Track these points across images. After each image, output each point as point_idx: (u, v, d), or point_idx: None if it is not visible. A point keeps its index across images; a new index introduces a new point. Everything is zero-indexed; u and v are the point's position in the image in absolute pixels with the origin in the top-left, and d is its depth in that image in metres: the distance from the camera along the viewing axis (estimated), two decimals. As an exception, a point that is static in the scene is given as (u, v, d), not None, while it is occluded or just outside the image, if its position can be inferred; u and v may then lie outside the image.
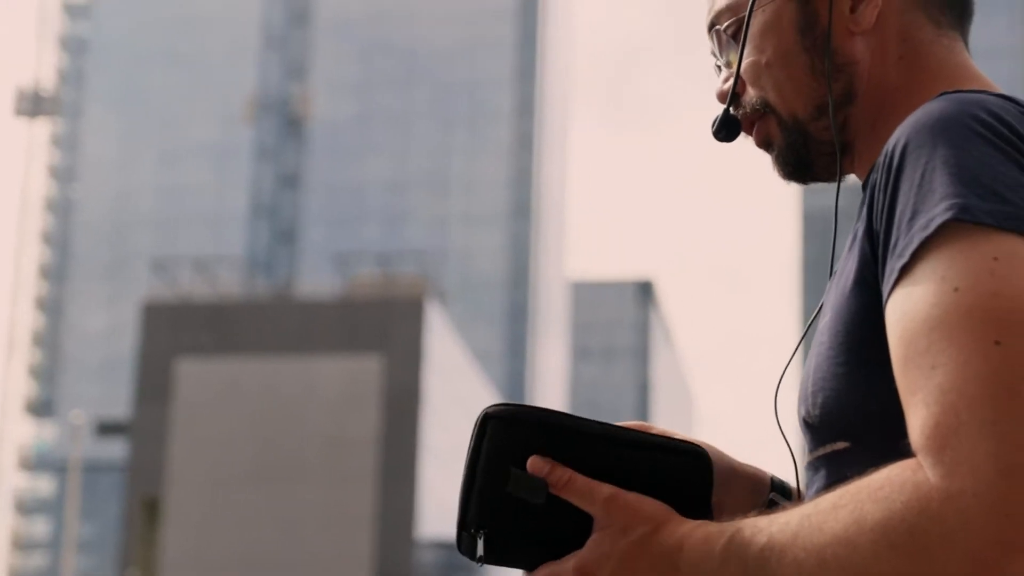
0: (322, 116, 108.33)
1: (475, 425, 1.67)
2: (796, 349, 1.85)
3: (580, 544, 1.67)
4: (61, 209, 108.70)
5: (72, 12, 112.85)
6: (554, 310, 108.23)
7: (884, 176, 1.61)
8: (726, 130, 1.88)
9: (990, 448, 1.42)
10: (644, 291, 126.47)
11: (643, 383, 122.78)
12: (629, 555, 1.64)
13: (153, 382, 66.72)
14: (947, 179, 1.53)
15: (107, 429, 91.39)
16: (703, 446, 1.77)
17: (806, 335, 1.82)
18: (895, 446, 1.55)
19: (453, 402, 71.12)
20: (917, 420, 1.48)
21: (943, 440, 1.44)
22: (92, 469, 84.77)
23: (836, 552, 1.49)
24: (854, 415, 1.63)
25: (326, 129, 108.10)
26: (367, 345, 65.93)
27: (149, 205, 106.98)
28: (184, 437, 65.40)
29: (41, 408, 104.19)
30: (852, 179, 1.89)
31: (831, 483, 1.63)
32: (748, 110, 1.87)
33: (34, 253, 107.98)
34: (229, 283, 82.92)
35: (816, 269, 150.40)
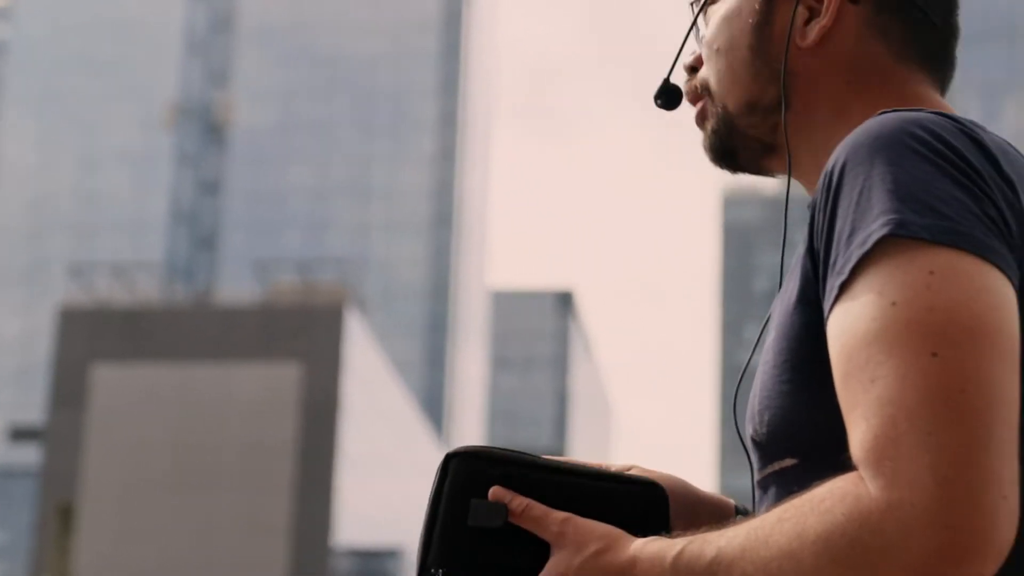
0: (244, 123, 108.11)
1: (437, 470, 1.73)
2: (747, 364, 1.85)
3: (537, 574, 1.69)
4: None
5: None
6: (474, 320, 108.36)
7: (824, 195, 1.61)
8: (665, 97, 1.94)
9: (928, 459, 1.43)
10: (564, 301, 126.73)
11: (562, 393, 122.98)
12: (583, 572, 1.65)
13: (68, 388, 66.34)
14: (884, 196, 1.54)
15: (20, 435, 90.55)
16: (662, 480, 1.80)
17: (755, 351, 1.81)
18: (841, 462, 1.54)
19: (372, 411, 71.13)
20: (857, 433, 1.49)
21: (882, 452, 1.46)
22: (5, 475, 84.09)
23: (781, 565, 1.50)
24: (800, 432, 1.64)
25: (248, 136, 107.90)
26: (286, 353, 65.80)
27: (67, 210, 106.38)
28: (99, 443, 65.04)
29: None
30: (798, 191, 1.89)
31: (780, 500, 1.62)
32: (697, 85, 1.91)
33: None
34: (147, 289, 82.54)
35: (735, 281, 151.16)
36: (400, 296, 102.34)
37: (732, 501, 1.89)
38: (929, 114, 1.62)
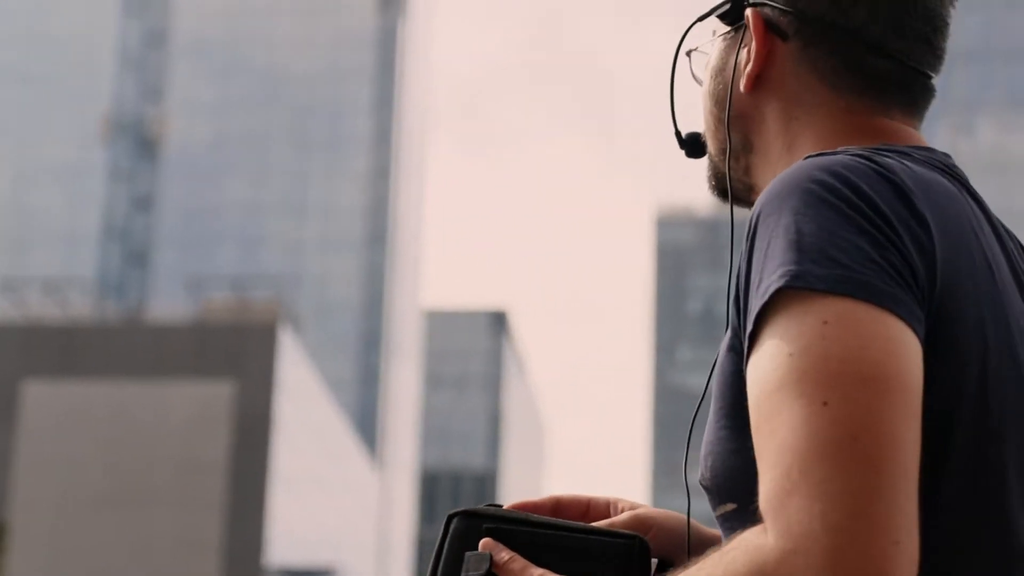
0: (177, 138, 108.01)
1: (441, 528, 1.86)
2: (699, 405, 1.91)
3: None
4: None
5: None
6: (408, 338, 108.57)
7: (745, 244, 1.65)
8: (688, 147, 2.03)
9: (819, 508, 1.45)
10: (498, 321, 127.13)
11: (495, 412, 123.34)
12: None
13: None
14: (785, 246, 1.56)
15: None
16: (668, 521, 1.94)
17: (707, 389, 1.89)
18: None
19: (305, 429, 71.24)
20: (763, 484, 1.51)
21: (779, 502, 1.48)
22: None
23: None
24: (737, 478, 1.67)
25: (181, 151, 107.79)
26: (219, 370, 65.86)
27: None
28: (30, 460, 64.95)
29: None
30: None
31: (727, 542, 1.66)
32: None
33: None
34: (79, 305, 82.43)
35: (668, 301, 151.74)
36: (334, 313, 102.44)
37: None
38: (847, 157, 1.65)
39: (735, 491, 1.68)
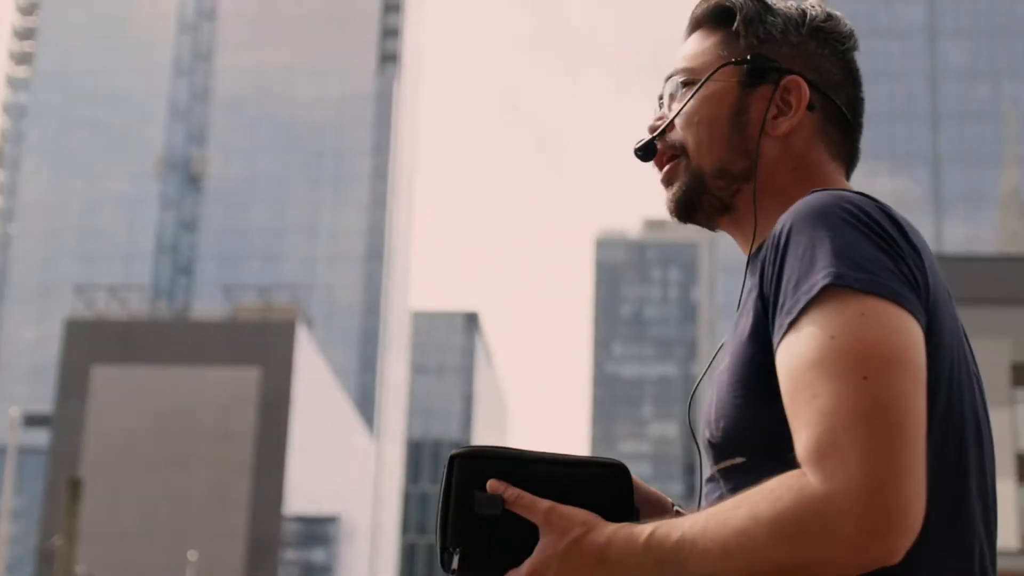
0: (216, 174, 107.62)
1: (444, 467, 1.72)
2: (698, 382, 1.90)
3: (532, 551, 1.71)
4: (1, 242, 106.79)
5: (14, 84, 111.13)
6: (399, 335, 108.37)
7: (773, 253, 1.66)
8: (644, 151, 1.93)
9: (859, 458, 1.49)
10: (470, 321, 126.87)
11: (468, 395, 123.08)
12: (568, 554, 1.65)
13: (73, 384, 65.88)
14: (825, 254, 1.60)
15: (33, 421, 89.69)
16: (621, 462, 1.81)
17: (708, 370, 1.89)
18: (780, 459, 1.59)
19: (316, 407, 71.02)
20: (801, 437, 1.54)
21: (823, 453, 1.51)
22: (21, 453, 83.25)
23: (738, 542, 1.53)
24: (748, 436, 1.68)
25: (219, 184, 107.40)
26: (248, 359, 65.61)
27: (73, 241, 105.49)
28: (97, 430, 64.65)
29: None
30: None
31: (731, 489, 1.69)
32: (667, 146, 1.91)
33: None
34: (137, 306, 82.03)
35: (605, 307, 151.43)
36: (340, 315, 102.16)
37: (668, 498, 1.96)
38: (854, 194, 1.68)
39: (745, 447, 1.68)
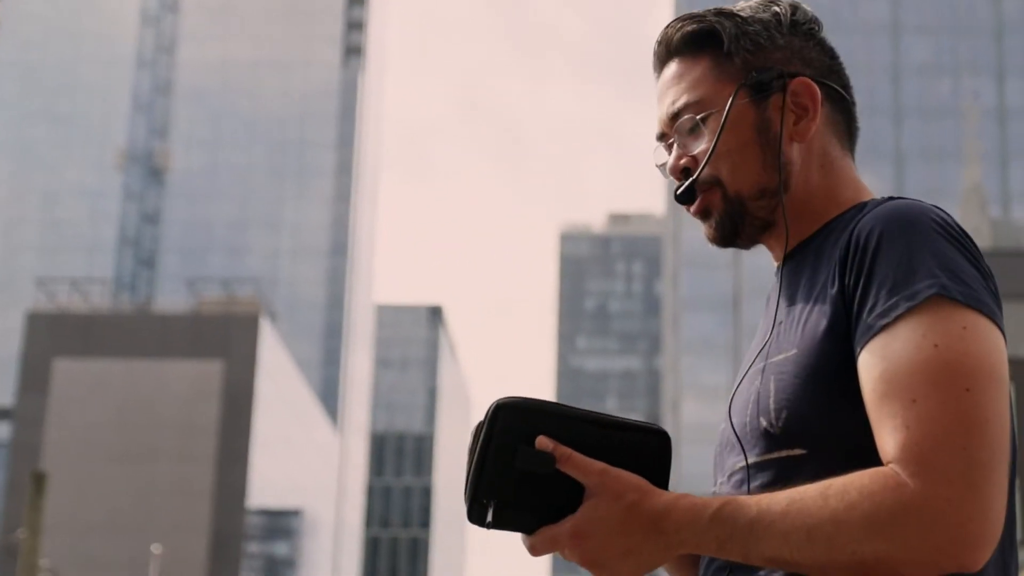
0: (179, 167, 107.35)
1: (487, 414, 1.66)
2: (746, 373, 1.85)
3: (571, 510, 1.67)
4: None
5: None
6: (362, 328, 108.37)
7: (860, 255, 1.67)
8: (687, 195, 1.89)
9: (961, 467, 1.51)
10: (434, 314, 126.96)
11: (432, 388, 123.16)
12: (622, 518, 1.63)
13: (34, 377, 65.66)
14: (926, 263, 1.62)
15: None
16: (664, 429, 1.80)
17: (753, 362, 1.84)
18: (841, 456, 1.63)
19: (280, 400, 70.99)
20: (896, 439, 1.56)
21: (924, 457, 1.52)
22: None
23: (825, 531, 1.54)
24: (812, 430, 1.68)
25: (182, 177, 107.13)
26: (211, 352, 65.52)
27: (35, 234, 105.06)
28: (59, 422, 64.47)
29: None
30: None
31: (780, 479, 1.69)
32: (701, 182, 1.88)
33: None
34: (99, 299, 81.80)
35: (569, 301, 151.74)
36: (303, 308, 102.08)
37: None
38: (929, 205, 1.70)
39: (807, 440, 1.68)
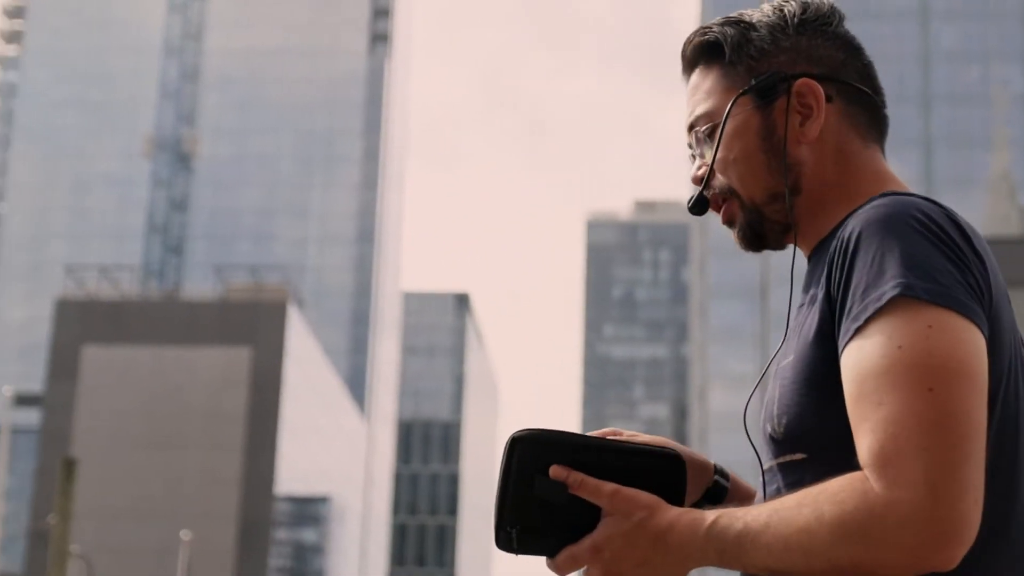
0: (207, 154, 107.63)
1: (505, 447, 1.75)
2: (760, 378, 1.95)
3: (590, 531, 1.75)
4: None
5: (4, 63, 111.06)
6: (389, 316, 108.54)
7: (841, 257, 1.69)
8: (698, 207, 1.94)
9: (922, 467, 1.53)
10: (461, 302, 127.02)
11: (459, 376, 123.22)
12: (631, 535, 1.70)
13: (63, 364, 65.94)
14: (894, 264, 1.63)
15: (24, 401, 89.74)
16: (676, 451, 1.87)
17: (768, 367, 1.89)
18: (840, 459, 1.64)
19: (308, 388, 71.15)
20: (865, 442, 1.58)
21: (886, 460, 1.55)
22: (12, 433, 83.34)
23: (800, 540, 1.57)
24: (810, 434, 1.71)
25: (210, 164, 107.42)
26: (239, 339, 65.68)
27: (64, 221, 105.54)
28: (88, 409, 64.76)
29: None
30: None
31: (789, 483, 1.73)
32: (717, 192, 1.93)
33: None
34: (128, 286, 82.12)
35: (595, 289, 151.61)
36: (331, 296, 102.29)
37: (711, 461, 2.00)
38: (922, 200, 1.71)
39: (806, 444, 1.71)
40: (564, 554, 1.74)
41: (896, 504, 1.52)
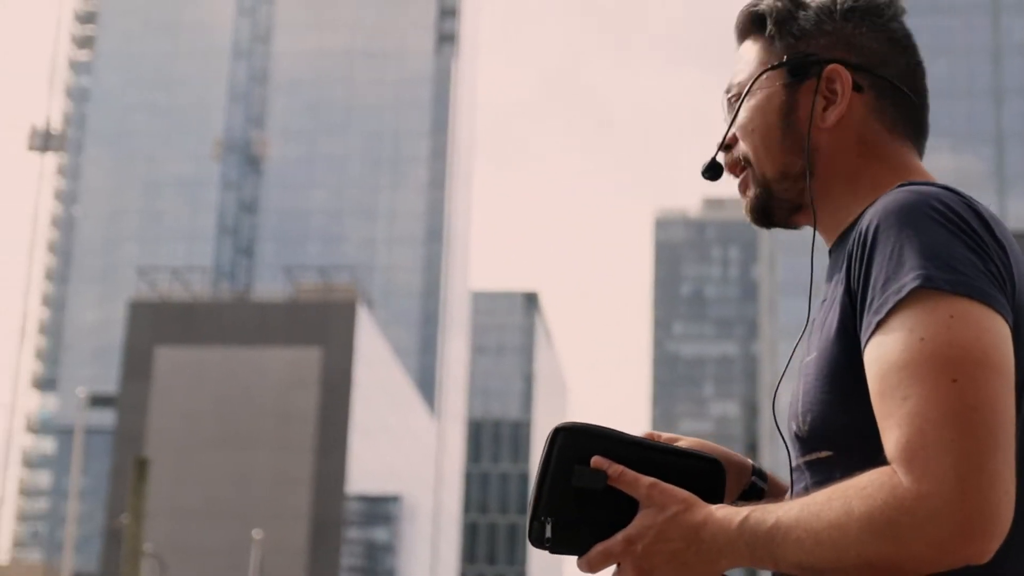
0: (276, 156, 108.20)
1: (547, 438, 1.75)
2: (782, 374, 1.98)
3: (625, 527, 1.75)
4: (65, 225, 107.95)
5: (77, 67, 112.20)
6: (458, 315, 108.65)
7: (860, 250, 1.68)
8: (711, 171, 1.96)
9: (950, 460, 1.51)
10: (530, 300, 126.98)
11: (528, 374, 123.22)
12: (665, 528, 1.70)
13: (137, 365, 66.41)
14: (913, 255, 1.61)
15: (99, 401, 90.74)
16: (716, 454, 1.89)
17: (790, 362, 1.92)
18: (865, 455, 1.63)
19: (377, 387, 71.28)
20: (892, 437, 1.57)
21: (913, 453, 1.53)
22: (86, 433, 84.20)
23: (830, 534, 1.56)
24: (835, 431, 1.71)
25: (279, 166, 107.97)
26: (309, 339, 65.88)
27: (136, 224, 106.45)
28: (161, 410, 65.20)
29: (45, 384, 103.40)
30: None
31: (816, 481, 1.72)
32: (739, 158, 1.94)
33: (42, 260, 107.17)
34: (199, 288, 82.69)
35: (664, 287, 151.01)
36: (400, 295, 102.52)
37: (750, 461, 2.01)
38: (940, 189, 1.70)
39: (832, 441, 1.70)
40: (597, 548, 1.73)
41: (925, 498, 1.51)
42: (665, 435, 1.92)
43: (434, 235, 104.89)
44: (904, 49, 1.90)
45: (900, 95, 1.88)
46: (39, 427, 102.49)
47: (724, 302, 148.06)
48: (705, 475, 1.79)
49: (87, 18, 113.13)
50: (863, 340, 1.64)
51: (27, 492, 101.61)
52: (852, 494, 1.56)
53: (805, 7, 1.91)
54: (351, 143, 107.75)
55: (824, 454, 1.71)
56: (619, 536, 1.72)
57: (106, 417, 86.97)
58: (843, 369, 1.68)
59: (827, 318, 1.74)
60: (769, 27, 1.92)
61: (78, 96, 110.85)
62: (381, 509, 73.38)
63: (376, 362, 71.04)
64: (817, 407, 1.71)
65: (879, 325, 1.61)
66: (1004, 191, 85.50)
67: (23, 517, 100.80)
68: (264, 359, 65.53)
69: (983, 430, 1.52)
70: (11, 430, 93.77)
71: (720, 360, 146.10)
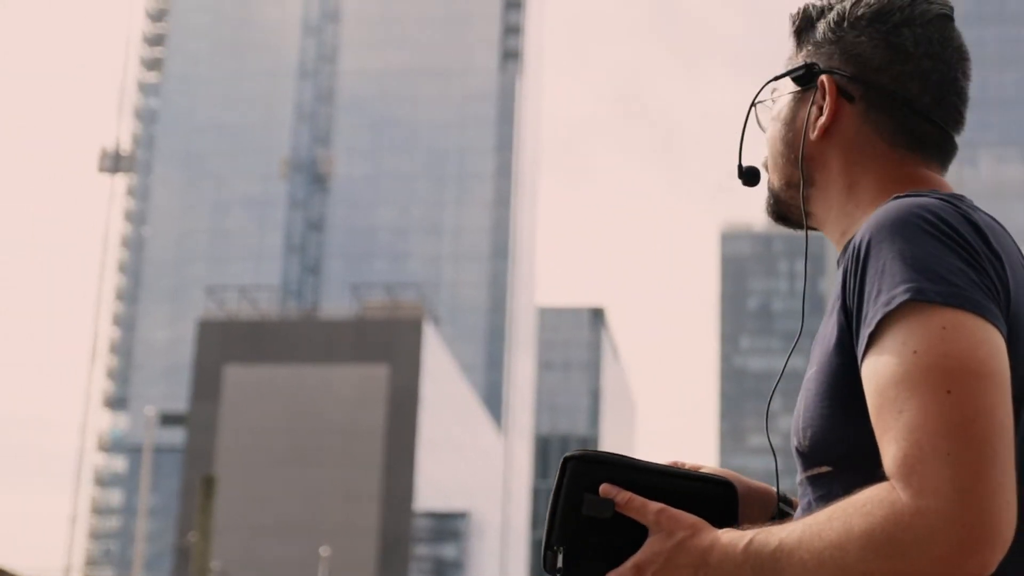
0: (342, 174, 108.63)
1: (559, 468, 1.76)
2: (775, 388, 1.98)
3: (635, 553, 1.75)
4: (134, 245, 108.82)
5: (145, 89, 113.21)
6: (525, 331, 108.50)
7: (853, 264, 1.67)
8: (745, 177, 1.99)
9: (948, 473, 1.50)
10: (597, 316, 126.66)
11: (595, 391, 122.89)
12: (673, 554, 1.70)
13: (206, 383, 66.76)
14: (904, 267, 1.60)
15: (168, 420, 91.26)
16: (729, 478, 1.87)
17: (782, 375, 1.91)
18: (866, 471, 1.61)
19: (444, 404, 71.24)
20: (889, 452, 1.55)
21: (911, 468, 1.52)
22: (157, 452, 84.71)
23: (832, 554, 1.55)
24: (835, 447, 1.69)
25: (345, 184, 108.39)
26: (376, 356, 65.98)
27: (204, 243, 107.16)
28: (230, 428, 65.50)
29: (116, 403, 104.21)
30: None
31: (818, 496, 1.71)
32: (765, 163, 1.97)
33: (113, 280, 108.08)
34: (267, 306, 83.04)
35: (731, 301, 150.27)
36: (466, 312, 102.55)
37: (774, 489, 1.98)
38: (934, 199, 1.68)
39: (831, 457, 1.69)
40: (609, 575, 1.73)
41: (924, 513, 1.50)
42: (689, 463, 1.92)
43: (500, 251, 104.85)
44: (909, 56, 1.85)
45: (896, 107, 1.85)
46: (110, 446, 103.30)
47: (791, 316, 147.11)
48: (717, 499, 1.78)
49: (155, 40, 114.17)
50: (859, 355, 1.63)
51: (99, 510, 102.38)
52: (852, 512, 1.55)
53: (826, 14, 1.91)
54: (416, 161, 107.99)
55: (824, 469, 1.71)
56: (628, 563, 1.72)
57: (176, 435, 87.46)
58: (841, 384, 1.67)
59: (825, 333, 1.73)
60: (793, 37, 1.95)
61: (147, 118, 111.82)
62: (449, 525, 73.27)
63: (443, 378, 71.01)
64: (817, 422, 1.71)
65: (872, 339, 1.60)
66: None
67: (95, 535, 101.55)
68: (332, 376, 65.68)
69: (981, 441, 1.51)
70: (83, 449, 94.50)
71: (788, 374, 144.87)
